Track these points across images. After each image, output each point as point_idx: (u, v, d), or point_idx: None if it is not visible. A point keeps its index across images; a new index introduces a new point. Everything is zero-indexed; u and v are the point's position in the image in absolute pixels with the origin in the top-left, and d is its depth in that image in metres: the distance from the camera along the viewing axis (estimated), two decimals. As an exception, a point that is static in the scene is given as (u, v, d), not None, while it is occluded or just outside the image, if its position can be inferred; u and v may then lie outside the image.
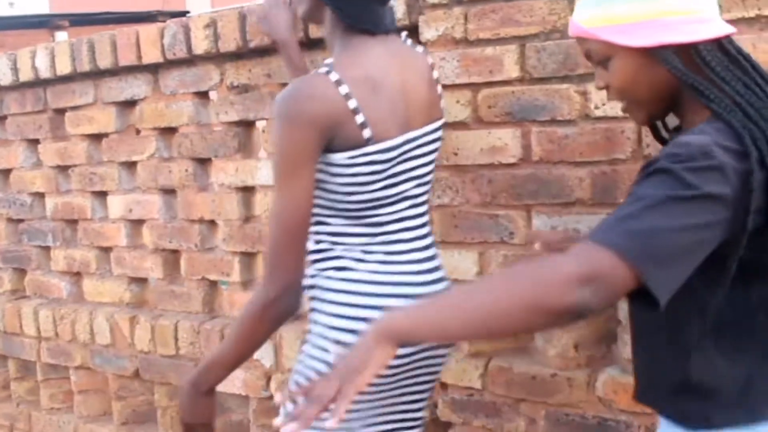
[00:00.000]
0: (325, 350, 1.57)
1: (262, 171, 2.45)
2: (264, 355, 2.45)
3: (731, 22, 1.74)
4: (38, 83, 2.92)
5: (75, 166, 2.91)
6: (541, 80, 1.94)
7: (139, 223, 2.78)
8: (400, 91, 1.56)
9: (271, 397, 2.48)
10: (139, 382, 2.83)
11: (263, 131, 2.45)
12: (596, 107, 1.89)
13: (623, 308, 1.95)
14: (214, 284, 2.66)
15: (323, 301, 1.59)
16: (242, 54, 2.42)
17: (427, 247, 1.67)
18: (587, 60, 1.36)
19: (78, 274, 3.00)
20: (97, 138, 2.84)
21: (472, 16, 1.98)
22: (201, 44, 2.46)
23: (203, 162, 2.61)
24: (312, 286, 1.62)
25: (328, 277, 1.59)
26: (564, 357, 1.99)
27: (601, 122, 1.90)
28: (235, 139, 2.49)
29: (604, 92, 1.85)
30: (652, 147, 1.84)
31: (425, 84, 1.64)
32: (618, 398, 1.93)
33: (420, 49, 1.70)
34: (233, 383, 2.54)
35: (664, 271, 1.09)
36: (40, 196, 3.07)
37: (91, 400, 3.01)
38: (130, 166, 2.78)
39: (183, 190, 2.63)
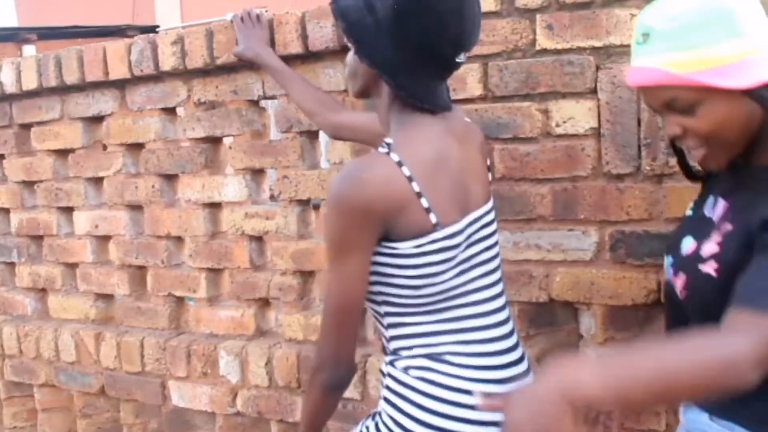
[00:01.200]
0: None
1: (228, 187, 2.46)
2: (230, 371, 2.45)
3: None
4: (4, 98, 2.90)
5: (41, 181, 2.89)
6: (504, 98, 1.97)
7: (105, 239, 2.77)
8: (459, 170, 1.46)
9: (237, 414, 2.48)
10: (105, 399, 2.81)
11: (230, 147, 2.46)
12: (557, 125, 1.93)
13: (584, 321, 1.98)
14: (180, 300, 2.65)
15: (397, 395, 1.47)
16: (209, 71, 2.43)
17: (507, 337, 1.53)
18: (659, 108, 1.28)
19: (43, 291, 2.98)
20: (63, 153, 2.83)
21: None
22: (168, 61, 2.47)
23: (170, 178, 2.61)
24: (388, 375, 1.51)
25: (407, 373, 1.47)
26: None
27: (561, 140, 1.93)
28: (201, 156, 2.50)
29: (565, 110, 1.90)
30: (612, 164, 1.88)
31: (480, 159, 1.56)
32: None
33: (469, 120, 1.63)
34: (200, 400, 2.54)
35: None
36: (5, 211, 3.04)
37: (56, 418, 2.98)
38: (97, 181, 2.77)
39: (149, 206, 2.63)
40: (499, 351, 1.49)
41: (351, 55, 1.49)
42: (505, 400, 1.05)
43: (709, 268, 1.24)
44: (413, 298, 1.44)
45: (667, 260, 1.39)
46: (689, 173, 1.46)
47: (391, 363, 1.50)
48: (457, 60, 1.42)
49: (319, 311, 2.35)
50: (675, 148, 1.43)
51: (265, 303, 2.49)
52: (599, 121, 1.89)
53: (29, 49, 9.14)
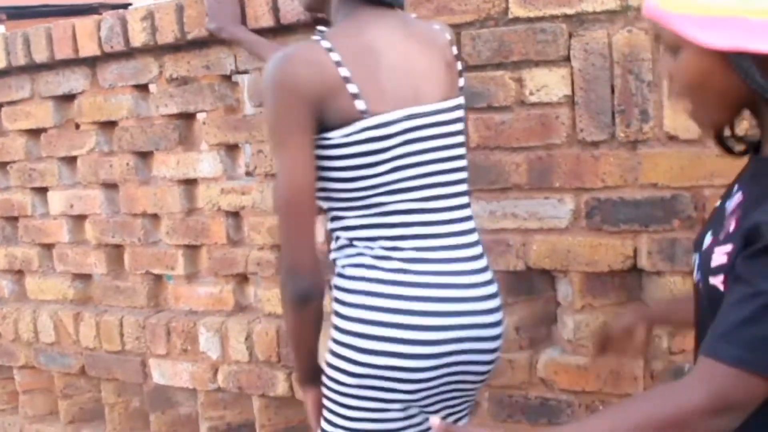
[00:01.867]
0: (345, 358, 1.44)
1: (203, 163, 2.44)
2: (210, 347, 2.44)
3: (658, 8, 1.79)
4: (-28, 78, 2.86)
5: (13, 162, 2.85)
6: (477, 68, 1.96)
7: (80, 218, 2.75)
8: (403, 64, 1.44)
9: (218, 390, 2.48)
10: (86, 379, 2.80)
11: (204, 123, 2.44)
12: (531, 93, 1.93)
13: (562, 289, 1.99)
14: (158, 278, 2.64)
15: (342, 303, 1.47)
16: (180, 46, 2.40)
17: (467, 246, 1.50)
18: (656, 41, 1.21)
19: (20, 272, 2.95)
20: (35, 133, 2.79)
21: (408, 5, 1.99)
22: (138, 37, 2.43)
23: (144, 155, 2.58)
24: (333, 286, 1.51)
25: (347, 276, 1.47)
26: (506, 339, 2.02)
27: (536, 108, 1.93)
28: (175, 132, 2.47)
29: (538, 78, 1.90)
30: (586, 132, 1.89)
31: (439, 59, 1.51)
32: (559, 378, 1.98)
33: (437, 25, 1.59)
34: (180, 377, 2.54)
35: None
36: (-22, 193, 3.01)
37: (37, 399, 2.97)
38: (70, 161, 2.73)
39: (124, 184, 2.60)
40: (448, 259, 1.46)
41: None
42: None
43: (717, 281, 1.12)
44: (348, 192, 1.44)
45: (694, 257, 1.26)
46: (726, 148, 1.26)
47: (335, 261, 1.50)
48: None
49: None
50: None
51: (243, 278, 2.48)
52: (573, 88, 1.89)
53: (-1, 29, 9.01)
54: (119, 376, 2.67)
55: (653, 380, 1.89)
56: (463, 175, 1.53)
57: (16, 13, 9.61)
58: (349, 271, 1.46)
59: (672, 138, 1.81)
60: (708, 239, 1.18)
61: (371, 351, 1.41)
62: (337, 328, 1.46)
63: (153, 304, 2.64)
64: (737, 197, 1.15)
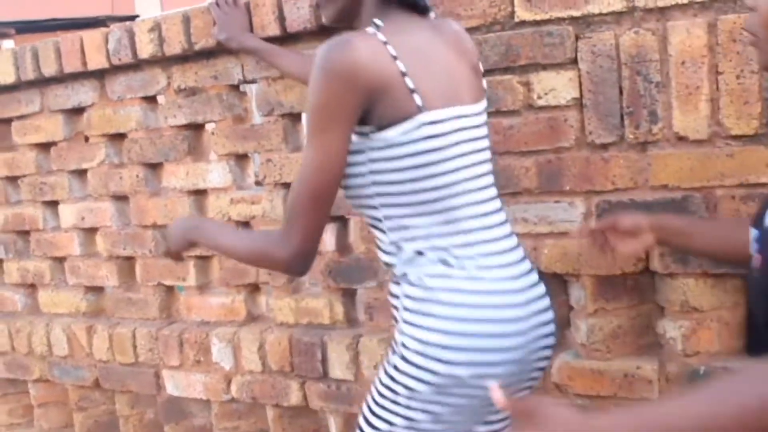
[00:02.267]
0: (425, 369, 1.41)
1: (212, 173, 2.44)
2: (223, 358, 2.44)
3: (665, 8, 1.79)
4: (-18, 94, 2.88)
5: (24, 176, 2.87)
6: (485, 73, 1.94)
7: (92, 231, 2.76)
8: (445, 65, 1.45)
9: (232, 400, 2.48)
10: (100, 392, 2.81)
11: (212, 133, 2.44)
12: (539, 97, 1.92)
13: (574, 293, 1.98)
14: (170, 289, 2.65)
15: (423, 314, 1.42)
16: (188, 57, 2.41)
17: (513, 249, 1.51)
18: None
19: (32, 286, 2.97)
20: (45, 147, 2.80)
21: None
22: (146, 48, 2.44)
23: (154, 167, 2.59)
24: (405, 296, 1.46)
25: (426, 287, 1.42)
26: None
27: (544, 111, 1.92)
28: (184, 143, 2.48)
29: (546, 81, 1.90)
30: (595, 134, 1.88)
31: (469, 63, 1.53)
32: (574, 383, 1.97)
33: (457, 26, 1.60)
34: (194, 388, 2.54)
35: None
36: (-10, 208, 3.02)
37: (52, 412, 2.98)
38: (81, 173, 2.75)
39: (135, 195, 2.61)
40: (507, 259, 1.48)
41: None
42: (525, 410, 1.06)
43: None
44: (413, 194, 1.40)
45: (752, 233, 1.28)
46: None
47: (403, 276, 1.45)
48: None
49: (309, 294, 2.35)
50: None
51: (255, 288, 2.48)
52: (581, 91, 1.88)
53: (8, 44, 9.06)
54: (133, 388, 2.68)
55: (668, 383, 1.87)
56: (492, 179, 1.54)
57: (25, 27, 9.68)
58: (429, 282, 1.42)
59: (681, 139, 1.80)
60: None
61: (457, 363, 1.39)
62: (416, 339, 1.42)
63: (165, 316, 2.64)
64: None
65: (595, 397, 1.95)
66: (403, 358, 1.44)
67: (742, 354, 1.86)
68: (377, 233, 1.49)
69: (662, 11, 1.80)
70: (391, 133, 1.37)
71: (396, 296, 1.50)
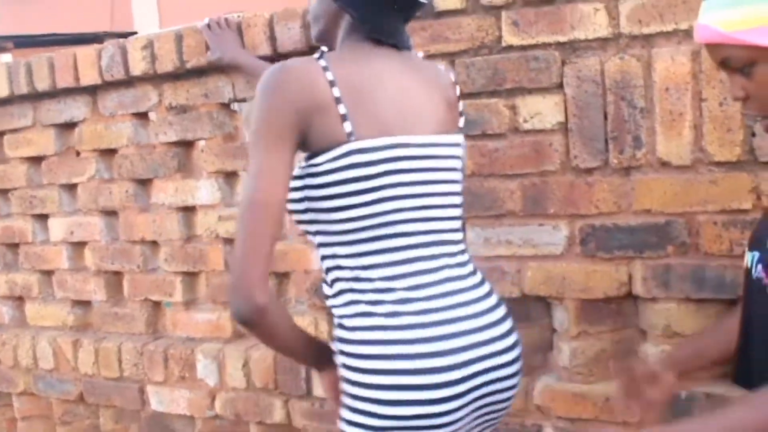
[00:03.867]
0: (365, 413, 1.37)
1: (201, 191, 2.45)
2: (208, 374, 2.44)
3: (650, 36, 1.81)
4: (-24, 107, 2.89)
5: (15, 189, 2.87)
6: (471, 95, 1.98)
7: (80, 245, 2.76)
8: (397, 95, 1.43)
9: (216, 417, 2.47)
10: (84, 406, 2.80)
11: (202, 151, 2.46)
12: (524, 120, 1.94)
13: (557, 316, 1.99)
14: (157, 305, 2.65)
15: (349, 355, 1.39)
16: (180, 74, 2.43)
17: (464, 277, 1.47)
18: (721, 67, 1.24)
19: (20, 299, 2.96)
20: (36, 161, 2.81)
21: (404, 33, 2.02)
22: (138, 65, 2.46)
23: (143, 183, 2.60)
24: (335, 338, 1.44)
25: (347, 328, 1.40)
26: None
27: (529, 135, 1.94)
28: (174, 159, 2.49)
29: (532, 105, 1.91)
30: (580, 158, 1.90)
31: (439, 96, 1.51)
32: (555, 405, 1.97)
33: (442, 66, 1.63)
34: (178, 404, 2.53)
35: None
36: (-20, 220, 3.03)
37: (35, 426, 2.96)
38: (71, 188, 2.76)
39: (124, 211, 2.62)
40: (446, 292, 1.42)
41: (314, 1, 1.52)
42: None
43: None
44: (339, 224, 1.38)
45: (750, 257, 1.28)
46: None
47: (332, 309, 1.44)
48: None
49: (295, 311, 2.36)
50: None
51: (241, 305, 2.48)
52: (566, 115, 1.90)
53: (6, 58, 9.09)
54: (117, 402, 2.67)
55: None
56: (457, 212, 1.50)
57: (23, 42, 9.72)
58: (348, 322, 1.40)
59: (665, 164, 1.82)
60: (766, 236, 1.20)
61: (395, 402, 1.35)
62: (350, 382, 1.39)
63: (151, 331, 2.64)
64: None
65: (577, 420, 1.95)
66: (348, 407, 1.41)
67: (723, 380, 1.87)
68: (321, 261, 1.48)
69: (647, 38, 1.82)
70: (319, 160, 1.36)
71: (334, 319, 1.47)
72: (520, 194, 1.96)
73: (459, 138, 1.52)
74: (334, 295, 1.44)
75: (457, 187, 1.50)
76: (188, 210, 2.52)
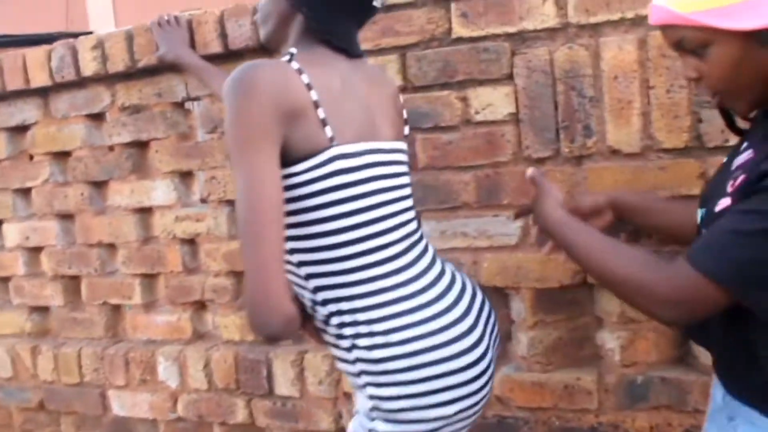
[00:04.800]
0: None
1: (157, 191, 2.43)
2: (169, 376, 2.42)
3: (598, 25, 1.82)
4: (-75, 112, 2.83)
5: (-32, 195, 2.82)
6: (423, 88, 1.98)
7: (36, 250, 2.72)
8: (363, 102, 1.41)
9: (179, 419, 2.45)
10: (45, 413, 2.76)
11: (156, 151, 2.43)
12: (476, 112, 1.94)
13: (515, 306, 2.00)
14: (116, 308, 2.61)
15: (370, 374, 1.38)
16: (131, 74, 2.40)
17: (437, 279, 1.47)
18: (674, 48, 1.24)
19: (-23, 307, 2.91)
20: (-11, 166, 2.77)
21: (354, 28, 2.01)
22: (89, 66, 2.43)
23: (99, 185, 2.56)
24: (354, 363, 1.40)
25: (359, 358, 1.38)
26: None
27: (481, 127, 1.94)
28: (129, 160, 2.46)
29: (483, 97, 1.91)
30: (532, 148, 1.90)
31: (391, 104, 1.53)
32: (515, 396, 1.98)
33: (387, 73, 1.60)
34: (140, 407, 2.51)
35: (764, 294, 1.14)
36: (-66, 228, 2.97)
37: (-3, 435, 2.92)
38: (25, 192, 2.71)
39: (80, 214, 2.58)
40: (423, 300, 1.41)
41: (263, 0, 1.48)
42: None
43: None
44: (323, 237, 1.33)
45: (700, 213, 1.32)
46: (733, 127, 1.36)
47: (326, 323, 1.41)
48: (374, 4, 1.43)
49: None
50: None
51: (200, 306, 2.46)
52: (517, 106, 1.91)
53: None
54: (78, 408, 2.64)
55: (607, 394, 1.89)
56: (412, 214, 1.50)
57: (-21, 45, 9.54)
58: (362, 343, 1.37)
59: (615, 152, 1.83)
60: (713, 193, 1.26)
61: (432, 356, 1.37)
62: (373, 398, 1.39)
63: (111, 335, 2.61)
64: (746, 154, 1.22)
65: (537, 409, 1.96)
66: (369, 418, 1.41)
67: (679, 363, 1.89)
68: (306, 298, 1.43)
69: (595, 27, 1.83)
70: (299, 168, 1.30)
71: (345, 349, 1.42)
72: (474, 186, 1.96)
73: (404, 145, 1.54)
74: (339, 327, 1.39)
75: (409, 196, 1.50)
76: (145, 211, 2.49)
